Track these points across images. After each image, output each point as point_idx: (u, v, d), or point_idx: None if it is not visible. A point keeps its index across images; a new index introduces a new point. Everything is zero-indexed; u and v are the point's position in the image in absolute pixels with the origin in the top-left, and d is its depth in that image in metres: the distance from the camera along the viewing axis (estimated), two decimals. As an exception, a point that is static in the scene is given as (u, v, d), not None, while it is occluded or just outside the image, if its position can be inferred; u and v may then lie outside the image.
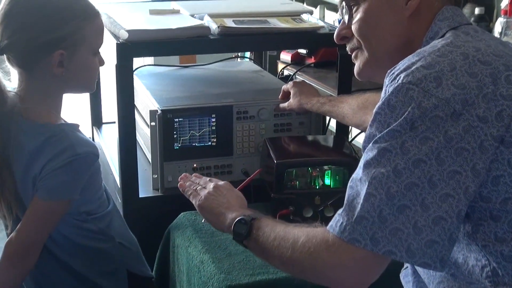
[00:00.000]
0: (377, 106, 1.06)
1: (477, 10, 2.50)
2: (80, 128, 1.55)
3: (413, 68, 1.03)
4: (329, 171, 1.72)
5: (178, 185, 1.52)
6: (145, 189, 1.89)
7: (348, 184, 1.08)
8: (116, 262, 1.62)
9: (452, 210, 1.00)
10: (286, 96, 1.95)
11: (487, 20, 2.54)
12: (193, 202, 1.45)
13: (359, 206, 1.02)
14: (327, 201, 1.69)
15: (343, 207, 1.06)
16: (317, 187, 1.72)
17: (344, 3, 1.24)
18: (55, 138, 1.46)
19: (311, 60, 2.53)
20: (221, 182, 1.46)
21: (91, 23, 1.49)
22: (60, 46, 1.44)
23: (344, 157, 1.79)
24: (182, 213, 1.80)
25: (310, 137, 1.97)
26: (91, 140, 1.56)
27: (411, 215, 0.99)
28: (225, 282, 1.48)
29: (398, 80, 1.03)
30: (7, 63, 1.49)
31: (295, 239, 1.10)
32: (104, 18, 1.90)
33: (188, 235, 1.70)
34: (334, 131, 2.14)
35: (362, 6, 1.20)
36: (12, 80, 1.54)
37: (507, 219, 1.03)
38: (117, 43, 1.73)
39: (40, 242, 1.49)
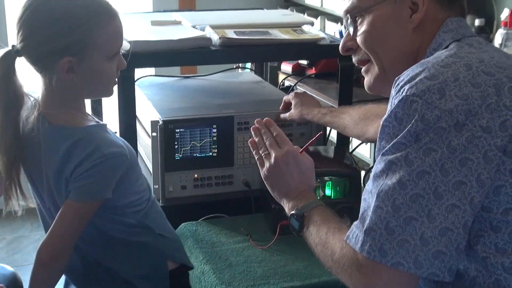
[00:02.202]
0: (383, 118, 1.07)
1: (477, 22, 2.51)
2: (108, 127, 1.54)
3: (417, 79, 1.04)
4: (330, 182, 1.72)
5: (249, 141, 1.44)
6: (146, 200, 1.89)
7: (362, 196, 1.09)
8: (157, 255, 1.60)
9: (459, 221, 1.00)
10: (287, 107, 1.95)
11: (487, 31, 2.55)
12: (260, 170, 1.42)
13: (368, 218, 1.04)
14: (328, 212, 1.69)
15: (358, 220, 1.08)
16: (318, 198, 1.72)
17: (348, 14, 1.25)
18: (82, 141, 1.46)
19: (312, 71, 2.54)
20: (282, 152, 1.36)
21: (104, 28, 1.45)
22: (68, 53, 1.42)
23: (344, 168, 1.79)
24: (183, 224, 1.80)
25: (311, 148, 1.97)
26: (119, 139, 1.55)
27: (417, 227, 1.00)
28: (226, 293, 1.48)
29: (402, 92, 1.05)
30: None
31: (332, 251, 1.12)
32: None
33: (189, 246, 1.70)
34: (335, 142, 2.15)
35: (367, 18, 1.21)
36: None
37: (507, 230, 1.03)
38: (119, 54, 1.74)
39: (72, 243, 1.50)
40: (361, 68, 1.31)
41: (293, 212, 1.28)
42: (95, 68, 1.47)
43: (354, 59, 1.30)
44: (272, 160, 1.37)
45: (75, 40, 1.43)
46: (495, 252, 1.04)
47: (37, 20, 1.43)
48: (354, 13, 1.24)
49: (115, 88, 1.75)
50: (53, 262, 1.48)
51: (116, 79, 1.56)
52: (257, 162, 1.40)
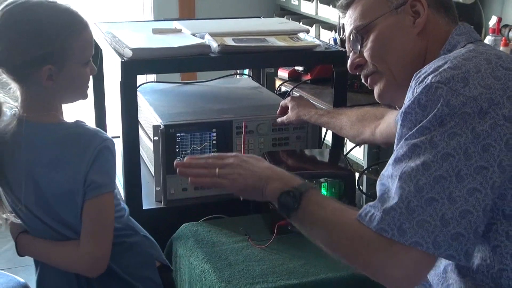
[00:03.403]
0: (405, 106, 1.10)
1: (467, 29, 2.56)
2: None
3: (440, 69, 1.08)
4: (326, 184, 1.73)
5: (190, 181, 1.32)
6: (149, 201, 1.92)
7: (378, 181, 1.10)
8: (146, 254, 1.64)
9: (479, 204, 1.02)
10: (284, 111, 1.97)
11: (477, 38, 2.60)
12: (223, 186, 1.30)
13: (390, 198, 1.04)
14: (324, 212, 1.72)
15: (375, 201, 1.08)
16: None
17: (352, 35, 1.29)
18: (74, 134, 1.49)
19: (308, 77, 2.56)
20: (232, 155, 1.31)
21: (78, 37, 1.49)
22: (48, 62, 1.46)
23: (339, 170, 1.81)
24: (184, 224, 1.82)
25: (307, 151, 2.00)
26: None
27: (438, 208, 1.02)
28: (226, 290, 1.49)
29: (426, 81, 1.08)
30: (3, 76, 1.51)
31: (341, 230, 1.10)
32: (108, 37, 1.96)
33: (190, 246, 1.72)
34: (330, 144, 2.18)
35: (372, 32, 1.27)
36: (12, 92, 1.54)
37: None
38: (121, 61, 1.76)
39: (111, 239, 1.51)
40: (356, 75, 1.34)
41: (287, 189, 1.19)
42: (72, 75, 1.51)
43: (362, 75, 1.33)
44: (232, 161, 1.28)
45: (55, 50, 1.46)
46: (506, 241, 1.06)
47: (16, 31, 1.45)
48: (358, 31, 1.28)
49: (118, 94, 1.80)
50: (104, 269, 1.51)
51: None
52: (214, 182, 1.29)
